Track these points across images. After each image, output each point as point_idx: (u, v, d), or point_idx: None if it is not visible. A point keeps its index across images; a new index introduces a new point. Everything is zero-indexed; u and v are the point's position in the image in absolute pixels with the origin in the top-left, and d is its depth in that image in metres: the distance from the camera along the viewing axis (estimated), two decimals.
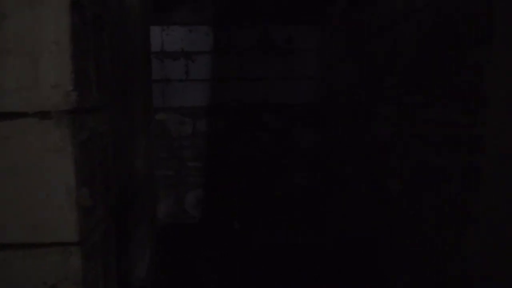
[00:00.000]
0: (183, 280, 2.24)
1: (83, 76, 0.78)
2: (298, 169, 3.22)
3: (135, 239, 1.57)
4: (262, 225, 3.07)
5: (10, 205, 0.74)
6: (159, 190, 3.08)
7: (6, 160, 0.73)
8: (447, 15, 1.40)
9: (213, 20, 2.92)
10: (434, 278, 1.49)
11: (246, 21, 2.97)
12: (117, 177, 1.13)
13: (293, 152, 3.20)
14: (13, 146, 0.73)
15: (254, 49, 3.03)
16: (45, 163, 0.73)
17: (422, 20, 1.57)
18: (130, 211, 1.49)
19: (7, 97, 0.71)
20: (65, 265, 0.76)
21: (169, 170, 3.11)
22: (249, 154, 3.15)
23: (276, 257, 2.47)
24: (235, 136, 3.13)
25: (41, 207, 0.74)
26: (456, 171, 1.32)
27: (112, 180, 0.97)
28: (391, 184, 1.83)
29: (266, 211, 3.19)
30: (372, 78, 2.15)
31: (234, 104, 3.07)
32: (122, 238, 1.29)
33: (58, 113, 0.72)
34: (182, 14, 2.86)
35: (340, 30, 2.70)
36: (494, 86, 1.17)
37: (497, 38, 1.15)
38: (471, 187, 1.25)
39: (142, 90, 1.67)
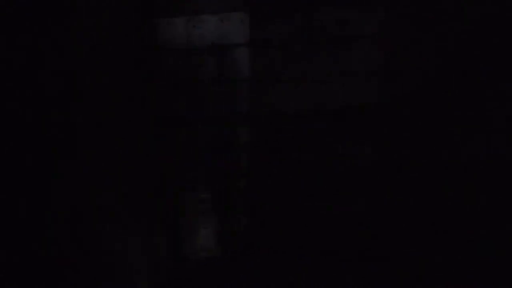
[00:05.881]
0: None
1: None
2: (354, 196, 2.56)
3: None
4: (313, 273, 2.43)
5: None
6: (191, 217, 2.54)
7: None
8: None
9: (249, 4, 2.38)
10: None
11: (290, 5, 2.41)
12: None
13: (347, 173, 2.55)
14: None
15: (299, 40, 2.46)
16: None
17: None
18: None
19: None
20: None
21: (202, 193, 2.56)
22: (295, 172, 2.54)
23: None
24: (277, 149, 2.54)
25: None
26: None
27: None
28: None
29: (313, 249, 2.55)
30: (486, 54, 1.49)
31: (277, 109, 2.49)
32: None
33: None
34: (212, 0, 2.36)
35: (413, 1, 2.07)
36: None
37: None
38: None
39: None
